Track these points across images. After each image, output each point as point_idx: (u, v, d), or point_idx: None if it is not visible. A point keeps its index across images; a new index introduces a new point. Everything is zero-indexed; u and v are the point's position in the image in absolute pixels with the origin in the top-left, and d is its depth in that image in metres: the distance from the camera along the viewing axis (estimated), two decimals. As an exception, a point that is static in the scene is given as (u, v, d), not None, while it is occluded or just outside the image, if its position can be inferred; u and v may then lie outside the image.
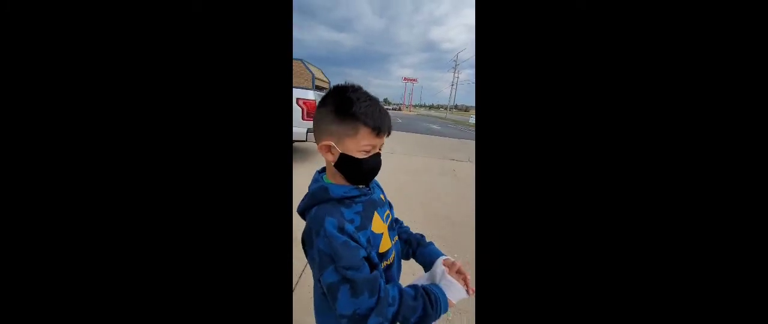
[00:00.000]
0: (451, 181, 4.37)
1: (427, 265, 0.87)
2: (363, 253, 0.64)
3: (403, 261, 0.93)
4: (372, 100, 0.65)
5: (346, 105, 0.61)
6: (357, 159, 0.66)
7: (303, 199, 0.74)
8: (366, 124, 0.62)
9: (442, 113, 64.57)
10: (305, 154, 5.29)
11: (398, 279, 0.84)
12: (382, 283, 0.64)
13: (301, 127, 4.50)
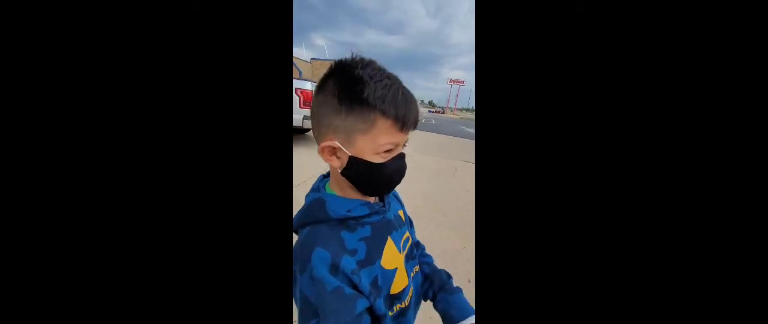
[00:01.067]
0: (444, 179, 4.38)
1: (449, 320, 0.61)
2: (363, 304, 0.47)
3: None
4: (391, 80, 0.46)
5: (355, 88, 0.44)
6: (374, 164, 0.48)
7: (298, 212, 0.53)
8: (386, 115, 0.45)
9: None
10: (305, 140, 5.48)
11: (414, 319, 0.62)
12: None
13: (297, 114, 4.68)
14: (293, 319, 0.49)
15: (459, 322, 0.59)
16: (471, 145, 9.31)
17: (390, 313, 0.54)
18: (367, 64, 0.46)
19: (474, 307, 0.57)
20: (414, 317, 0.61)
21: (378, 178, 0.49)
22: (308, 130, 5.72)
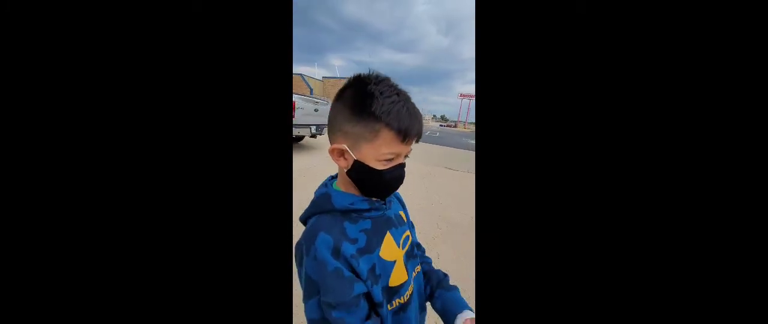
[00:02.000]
0: (417, 184, 4.53)
1: (448, 316, 0.65)
2: (360, 288, 0.51)
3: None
4: (400, 96, 0.51)
5: (365, 101, 0.49)
6: (374, 170, 0.53)
7: (308, 205, 0.59)
8: (389, 127, 0.49)
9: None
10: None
11: None
12: None
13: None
14: (293, 319, 0.50)
15: (457, 315, 0.63)
16: (459, 153, 9.61)
17: (389, 307, 0.58)
18: (380, 80, 0.51)
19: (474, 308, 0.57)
20: (417, 317, 0.63)
21: (377, 183, 0.55)
22: (296, 138, 6.11)
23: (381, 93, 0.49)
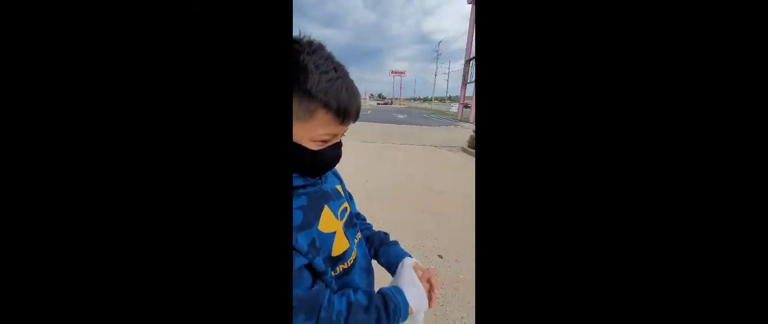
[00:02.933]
0: None
1: (392, 267, 0.72)
2: (302, 261, 0.50)
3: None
4: (337, 71, 0.46)
5: (298, 76, 0.42)
6: (309, 150, 0.48)
7: None
8: (327, 107, 0.45)
9: (435, 105, 65.21)
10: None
11: (367, 284, 0.69)
12: (326, 298, 0.51)
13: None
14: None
15: (398, 262, 0.70)
16: (381, 128, 10.48)
17: (334, 274, 0.58)
18: (314, 49, 0.44)
19: (475, 306, 0.61)
20: (362, 280, 0.66)
21: (312, 164, 0.51)
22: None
23: (317, 67, 0.43)
